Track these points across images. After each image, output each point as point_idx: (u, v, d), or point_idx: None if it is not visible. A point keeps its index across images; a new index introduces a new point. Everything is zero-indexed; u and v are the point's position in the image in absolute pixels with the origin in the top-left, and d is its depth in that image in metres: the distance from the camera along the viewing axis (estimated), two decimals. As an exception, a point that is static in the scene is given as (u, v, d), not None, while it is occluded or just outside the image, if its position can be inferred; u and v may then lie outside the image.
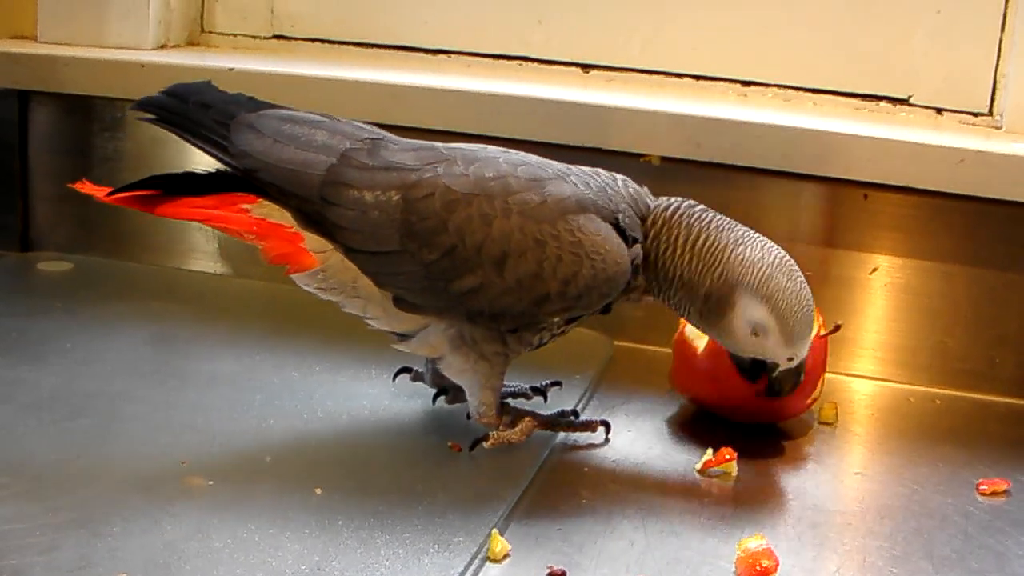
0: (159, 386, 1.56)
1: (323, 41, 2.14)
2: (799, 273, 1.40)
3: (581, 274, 1.36)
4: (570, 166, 1.44)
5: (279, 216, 1.39)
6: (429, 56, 2.09)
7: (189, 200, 1.40)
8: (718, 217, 1.43)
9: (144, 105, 1.43)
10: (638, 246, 1.41)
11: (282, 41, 2.15)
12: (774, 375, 1.43)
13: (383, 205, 1.35)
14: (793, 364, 1.42)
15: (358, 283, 1.40)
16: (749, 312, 1.38)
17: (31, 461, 1.34)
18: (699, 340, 1.55)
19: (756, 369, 1.45)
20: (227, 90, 1.83)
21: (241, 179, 1.40)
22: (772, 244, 1.42)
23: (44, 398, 1.49)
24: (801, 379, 1.44)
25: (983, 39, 1.85)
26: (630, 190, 1.44)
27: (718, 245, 1.39)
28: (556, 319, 1.42)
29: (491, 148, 1.43)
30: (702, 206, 1.44)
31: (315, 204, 1.36)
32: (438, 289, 1.37)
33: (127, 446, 1.39)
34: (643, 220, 1.43)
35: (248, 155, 1.37)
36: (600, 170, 1.45)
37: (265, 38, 2.16)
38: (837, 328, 1.57)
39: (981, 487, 1.44)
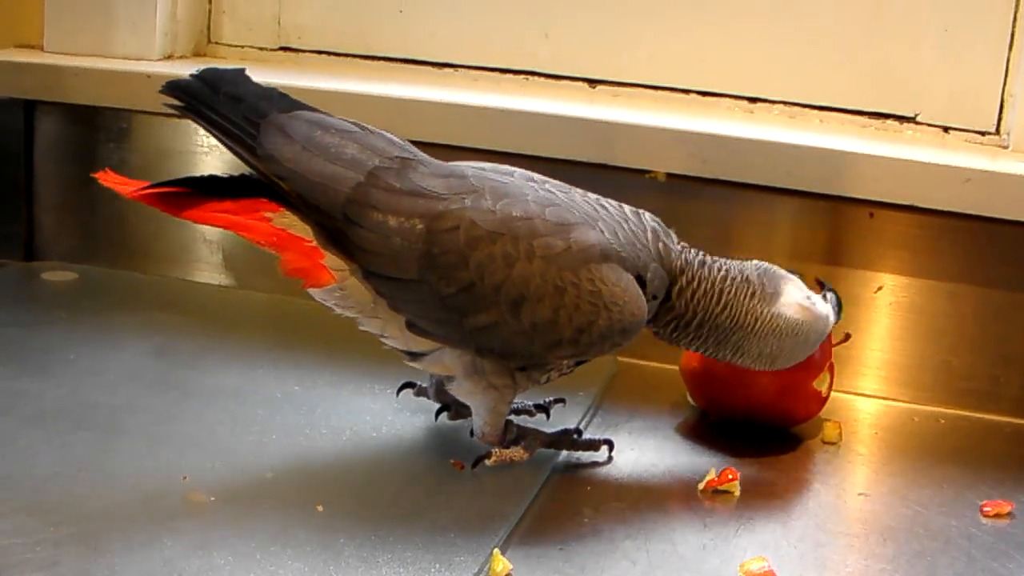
0: (161, 399, 1.55)
1: (330, 53, 2.14)
2: None
3: (597, 324, 1.36)
4: (600, 205, 1.42)
5: (300, 229, 1.37)
6: (435, 69, 2.09)
7: (212, 204, 1.37)
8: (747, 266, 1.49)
9: (173, 88, 1.38)
10: (655, 302, 1.43)
11: (289, 53, 2.15)
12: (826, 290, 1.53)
13: (406, 232, 1.33)
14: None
15: (377, 304, 1.38)
16: (790, 300, 1.47)
17: (32, 474, 1.33)
18: None
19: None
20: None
21: (263, 185, 1.37)
22: None
23: (46, 410, 1.49)
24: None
25: (990, 57, 1.85)
26: (659, 245, 1.43)
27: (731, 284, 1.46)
28: (566, 361, 1.43)
29: (519, 177, 1.41)
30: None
31: (337, 221, 1.34)
32: (452, 321, 1.36)
33: (129, 460, 1.39)
34: (669, 272, 1.43)
35: (276, 160, 1.34)
36: (629, 214, 1.44)
37: (272, 50, 2.16)
38: (847, 337, 1.58)
39: (985, 509, 1.44)
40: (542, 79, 2.05)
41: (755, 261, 1.50)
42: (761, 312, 1.45)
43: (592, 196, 1.44)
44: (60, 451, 1.39)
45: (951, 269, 1.76)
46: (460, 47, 2.07)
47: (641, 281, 1.39)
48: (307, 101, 1.88)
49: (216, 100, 1.36)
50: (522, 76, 2.06)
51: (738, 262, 1.48)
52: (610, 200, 1.44)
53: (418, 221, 1.33)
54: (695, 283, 1.44)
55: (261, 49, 2.16)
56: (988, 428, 1.73)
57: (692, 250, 1.47)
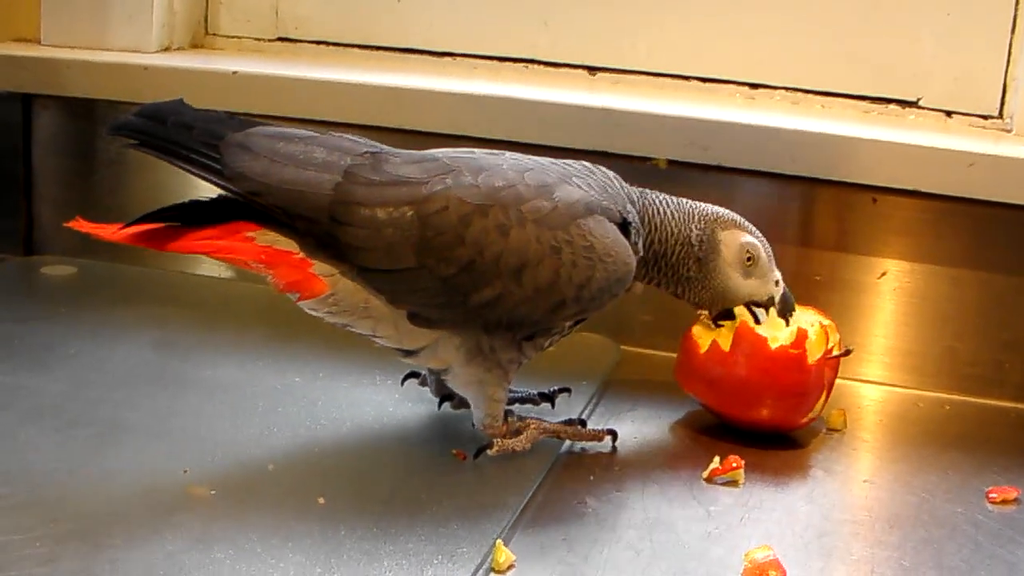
0: (162, 393, 1.55)
1: (328, 43, 2.13)
2: None
3: (595, 278, 1.37)
4: (566, 164, 1.44)
5: (285, 243, 1.36)
6: (434, 58, 2.08)
7: (193, 233, 1.36)
8: (665, 196, 1.53)
9: (120, 129, 1.37)
10: (640, 244, 1.45)
11: (287, 43, 2.15)
12: (777, 304, 1.54)
13: (397, 222, 1.33)
14: (780, 289, 1.54)
15: (369, 303, 1.37)
16: (735, 239, 1.51)
17: (31, 469, 1.32)
18: (703, 340, 1.55)
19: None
20: (230, 93, 1.82)
21: (241, 205, 1.36)
22: None
23: (46, 405, 1.48)
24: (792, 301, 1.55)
25: (993, 41, 1.84)
26: (624, 188, 1.47)
27: (684, 208, 1.51)
28: (567, 323, 1.42)
29: (483, 153, 1.42)
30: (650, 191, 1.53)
31: (324, 225, 1.33)
32: (455, 303, 1.35)
33: (129, 455, 1.38)
34: (640, 213, 1.47)
35: (246, 178, 1.33)
36: (590, 166, 1.46)
37: (269, 40, 2.15)
38: (847, 352, 1.56)
39: (991, 495, 1.43)
40: (541, 67, 2.05)
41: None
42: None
43: (552, 160, 1.46)
44: (59, 446, 1.38)
45: (955, 254, 1.75)
46: (459, 36, 2.07)
47: (625, 227, 1.42)
48: (305, 91, 1.90)
49: (167, 131, 1.35)
50: (521, 64, 2.05)
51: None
52: (567, 160, 1.47)
53: (407, 209, 1.33)
54: (660, 216, 1.49)
55: (259, 40, 2.16)
56: (993, 414, 1.72)
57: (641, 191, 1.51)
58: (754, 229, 1.53)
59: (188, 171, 1.35)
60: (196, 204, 1.40)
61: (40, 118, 2.06)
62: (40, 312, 1.80)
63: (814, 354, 1.52)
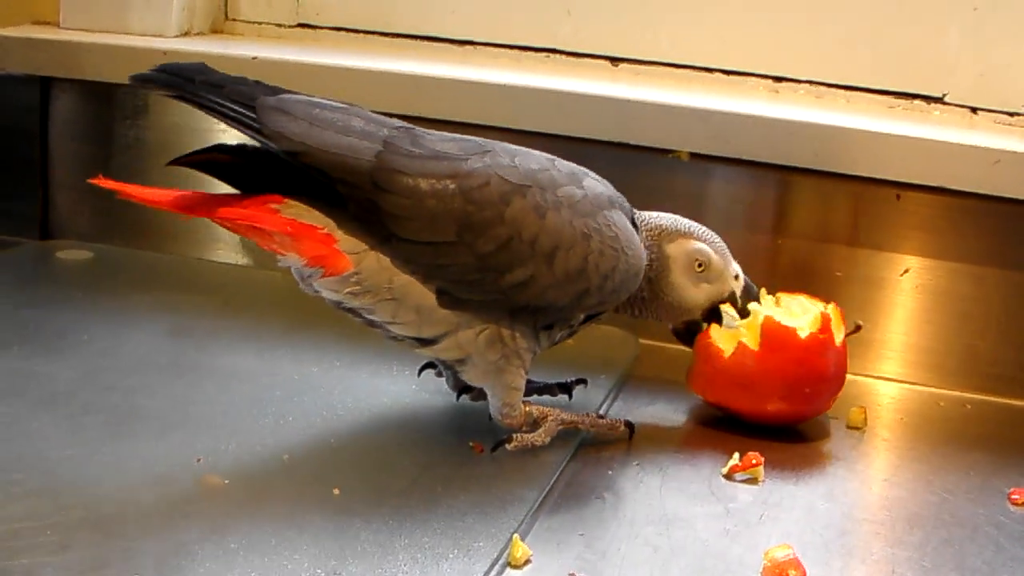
0: (176, 380, 1.54)
1: (348, 30, 2.12)
2: None
3: (619, 268, 1.38)
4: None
5: (309, 216, 1.34)
6: (455, 47, 2.07)
7: (220, 198, 1.35)
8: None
9: (147, 80, 1.34)
10: None
11: (307, 30, 2.13)
12: (739, 301, 1.52)
13: (440, 194, 1.32)
14: (741, 281, 1.52)
15: (393, 283, 1.35)
16: (682, 250, 1.48)
17: (44, 457, 1.31)
18: (726, 344, 1.53)
19: (712, 317, 1.54)
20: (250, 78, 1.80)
21: (268, 175, 1.35)
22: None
23: (59, 392, 1.47)
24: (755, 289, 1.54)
25: (1020, 37, 1.82)
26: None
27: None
28: (581, 315, 1.42)
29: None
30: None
31: (366, 191, 1.31)
32: (488, 281, 1.35)
33: (142, 442, 1.37)
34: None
35: (285, 137, 1.30)
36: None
37: (290, 26, 2.14)
38: (858, 328, 1.56)
39: (1013, 496, 1.41)
40: (564, 57, 2.03)
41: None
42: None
43: None
44: (72, 433, 1.37)
45: (979, 252, 1.73)
46: (481, 24, 2.05)
47: (634, 224, 1.44)
48: (325, 78, 1.89)
49: (195, 88, 1.32)
50: (543, 54, 2.04)
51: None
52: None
53: (449, 182, 1.33)
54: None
55: (279, 26, 2.15)
56: (1016, 414, 1.70)
57: None
58: (702, 231, 1.50)
59: (229, 123, 1.32)
60: (218, 150, 1.39)
61: (58, 102, 2.05)
62: (55, 297, 1.79)
63: (838, 336, 1.51)
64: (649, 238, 1.47)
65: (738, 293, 1.52)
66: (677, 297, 1.50)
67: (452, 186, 1.32)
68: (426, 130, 1.39)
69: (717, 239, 1.51)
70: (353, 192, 1.32)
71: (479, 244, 1.33)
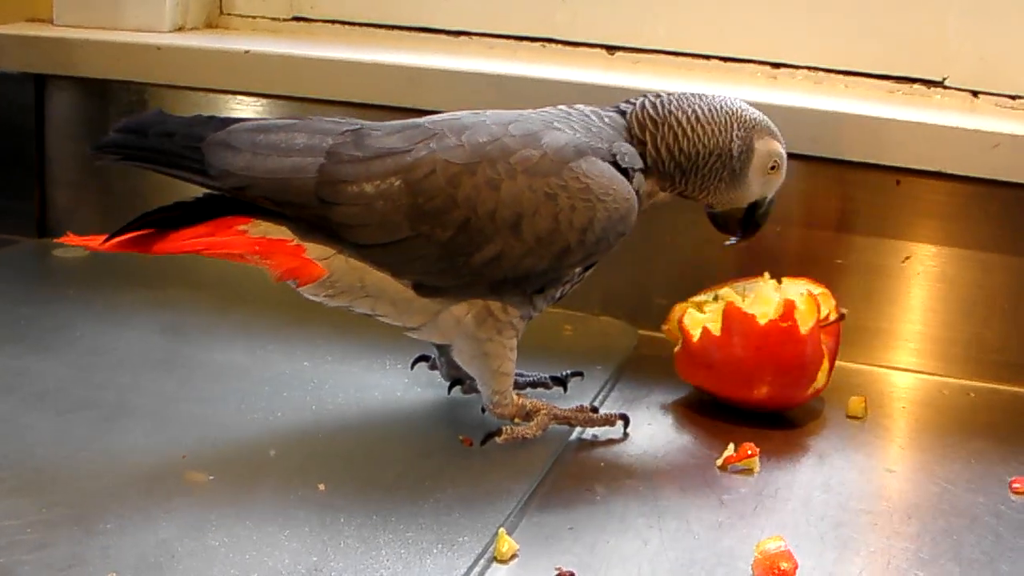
0: (167, 377, 1.53)
1: (343, 23, 2.10)
2: None
3: (596, 219, 1.35)
4: (545, 112, 1.43)
5: (277, 232, 1.35)
6: (451, 38, 2.05)
7: (183, 233, 1.36)
8: (692, 93, 1.49)
9: (103, 148, 1.37)
10: (640, 175, 1.43)
11: (302, 23, 2.12)
12: (764, 208, 1.52)
13: (386, 194, 1.31)
14: (772, 196, 1.53)
15: (365, 281, 1.36)
16: (768, 148, 1.47)
17: (31, 454, 1.31)
18: (694, 328, 1.53)
19: (748, 219, 1.53)
20: (243, 74, 1.81)
21: (230, 201, 1.35)
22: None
23: (49, 389, 1.46)
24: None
25: (1021, 20, 1.79)
26: (605, 119, 1.45)
27: (718, 109, 1.46)
28: (577, 269, 1.41)
29: (464, 113, 1.41)
30: (670, 92, 1.49)
31: (314, 208, 1.32)
32: (458, 265, 1.33)
33: (130, 439, 1.36)
34: (631, 134, 1.44)
35: (230, 174, 1.32)
36: (566, 108, 1.45)
37: (285, 20, 2.13)
38: (842, 316, 1.54)
39: (1014, 485, 1.39)
40: (559, 46, 2.01)
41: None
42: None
43: (532, 110, 1.44)
44: (60, 430, 1.37)
45: (981, 237, 1.70)
46: (475, 14, 2.03)
47: (616, 164, 1.40)
48: (319, 71, 1.88)
49: (148, 142, 1.35)
50: (539, 43, 2.02)
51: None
52: (544, 108, 1.45)
53: (394, 179, 1.32)
54: (664, 128, 1.44)
55: (274, 19, 2.13)
56: (1020, 402, 1.68)
57: (638, 100, 1.47)
58: (779, 133, 1.51)
59: (175, 176, 1.35)
60: (182, 205, 1.39)
61: (53, 99, 2.04)
62: (50, 295, 1.79)
63: (806, 323, 1.49)
64: (743, 129, 1.45)
65: (768, 198, 1.51)
66: (744, 187, 1.48)
67: (397, 183, 1.32)
68: (377, 124, 1.38)
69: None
70: (301, 212, 1.33)
71: (437, 233, 1.32)
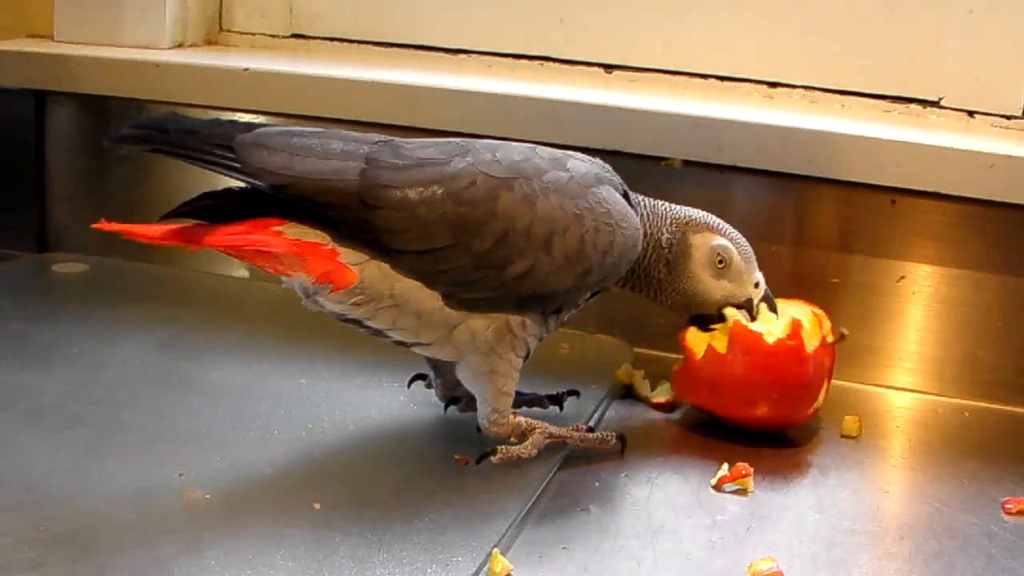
0: (164, 394, 1.53)
1: (342, 40, 2.11)
2: None
3: (616, 242, 1.38)
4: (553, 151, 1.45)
5: (312, 235, 1.34)
6: (449, 56, 2.06)
7: (223, 229, 1.34)
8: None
9: (123, 138, 1.34)
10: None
11: (301, 40, 2.13)
12: (755, 309, 1.53)
13: (429, 201, 1.32)
14: (761, 291, 1.53)
15: (395, 289, 1.35)
16: (706, 242, 1.50)
17: (26, 472, 1.31)
18: (698, 346, 1.53)
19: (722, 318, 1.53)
20: (242, 91, 1.81)
21: (261, 202, 1.35)
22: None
23: (46, 405, 1.46)
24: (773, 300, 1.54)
25: (1016, 40, 1.80)
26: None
27: (658, 210, 1.50)
28: (587, 293, 1.43)
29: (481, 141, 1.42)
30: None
31: (356, 211, 1.32)
32: (490, 278, 1.34)
33: (126, 457, 1.36)
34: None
35: (268, 172, 1.31)
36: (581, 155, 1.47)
37: (284, 37, 2.14)
38: (843, 337, 1.54)
39: (1007, 506, 1.40)
40: (557, 65, 2.02)
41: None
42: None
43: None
44: (57, 447, 1.36)
45: (976, 257, 1.71)
46: (474, 33, 2.04)
47: (627, 197, 1.45)
48: (318, 89, 1.89)
49: (171, 137, 1.33)
50: (537, 62, 2.03)
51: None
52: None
53: (436, 187, 1.33)
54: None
55: (273, 36, 2.14)
56: (1015, 421, 1.69)
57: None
58: (732, 232, 1.52)
59: (211, 168, 1.33)
60: (207, 197, 1.38)
61: (53, 115, 2.05)
62: (49, 310, 1.79)
63: (811, 343, 1.50)
64: (675, 225, 1.49)
65: (755, 301, 1.52)
66: (692, 287, 1.50)
67: (440, 191, 1.33)
68: (405, 139, 1.39)
69: (745, 244, 1.53)
70: (344, 214, 1.33)
71: (475, 243, 1.33)
